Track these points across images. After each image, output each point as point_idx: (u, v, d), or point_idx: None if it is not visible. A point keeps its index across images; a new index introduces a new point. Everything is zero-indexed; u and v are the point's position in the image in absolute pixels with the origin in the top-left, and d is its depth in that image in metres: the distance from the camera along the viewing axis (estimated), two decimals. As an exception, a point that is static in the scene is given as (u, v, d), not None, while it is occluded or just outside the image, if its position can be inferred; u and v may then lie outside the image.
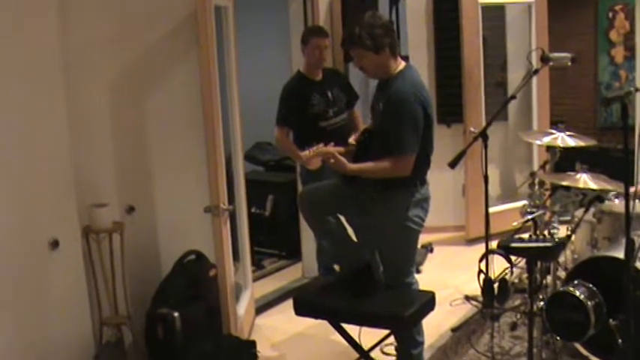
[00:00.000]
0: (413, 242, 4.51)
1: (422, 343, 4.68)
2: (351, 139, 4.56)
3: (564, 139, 5.22)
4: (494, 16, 7.82)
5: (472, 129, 6.94)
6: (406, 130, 4.18)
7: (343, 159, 4.24)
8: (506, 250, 3.99)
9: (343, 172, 4.28)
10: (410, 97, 4.19)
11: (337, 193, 4.54)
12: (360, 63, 4.31)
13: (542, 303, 4.70)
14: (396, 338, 4.68)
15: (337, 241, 4.68)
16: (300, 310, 4.56)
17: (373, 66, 4.30)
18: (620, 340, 3.99)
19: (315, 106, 5.86)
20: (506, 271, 4.98)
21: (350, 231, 4.83)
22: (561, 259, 5.53)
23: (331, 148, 4.33)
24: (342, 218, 4.75)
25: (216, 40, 4.67)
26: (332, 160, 4.25)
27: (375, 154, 4.28)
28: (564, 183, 5.00)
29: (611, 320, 4.13)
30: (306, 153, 4.38)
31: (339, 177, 4.50)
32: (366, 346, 4.59)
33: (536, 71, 5.20)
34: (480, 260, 4.58)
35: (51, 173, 3.98)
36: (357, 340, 4.51)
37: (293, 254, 7.31)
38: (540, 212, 5.08)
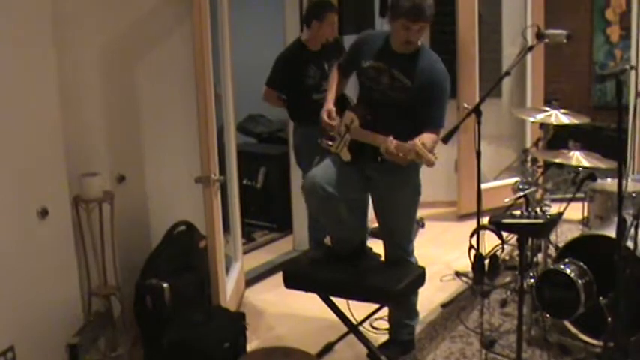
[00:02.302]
0: (417, 209, 4.63)
1: (419, 315, 4.83)
2: (326, 114, 4.44)
3: (558, 117, 5.20)
4: (490, -8, 7.80)
5: (466, 105, 6.93)
6: (445, 105, 4.27)
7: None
8: (497, 226, 3.98)
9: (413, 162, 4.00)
10: (445, 74, 4.25)
11: (342, 178, 4.43)
12: (417, 36, 4.17)
13: (532, 280, 4.70)
14: (391, 309, 4.71)
15: (340, 224, 4.61)
16: (290, 283, 4.57)
17: (419, 40, 4.26)
18: (609, 319, 4.00)
19: (310, 78, 5.82)
20: (497, 247, 4.98)
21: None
22: (552, 237, 5.54)
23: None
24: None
25: (210, 8, 4.62)
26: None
27: (390, 128, 4.05)
28: (557, 160, 4.99)
29: (601, 298, 4.14)
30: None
31: (335, 157, 4.46)
32: (357, 319, 4.61)
33: (531, 48, 5.17)
34: (471, 236, 4.58)
35: (41, 142, 3.94)
36: (347, 313, 4.53)
37: (284, 227, 7.33)
38: (532, 189, 5.07)
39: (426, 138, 4.01)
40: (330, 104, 4.50)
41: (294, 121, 6.11)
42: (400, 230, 4.60)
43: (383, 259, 4.74)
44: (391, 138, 3.90)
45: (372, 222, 4.86)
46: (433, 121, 4.20)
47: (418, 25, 4.10)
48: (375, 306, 4.68)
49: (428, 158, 3.78)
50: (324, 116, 4.43)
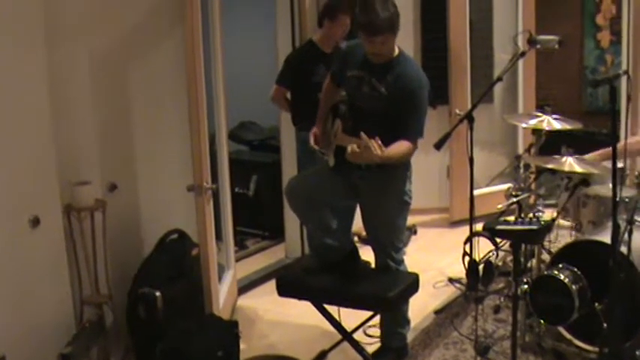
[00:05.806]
0: (406, 216, 4.60)
1: (409, 322, 4.79)
2: (312, 139, 4.54)
3: (550, 122, 5.18)
4: (482, -2, 7.82)
5: (458, 111, 6.94)
6: (423, 115, 4.25)
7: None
8: (491, 232, 3.97)
9: (372, 162, 4.05)
10: (423, 83, 4.24)
11: (326, 184, 4.47)
12: (381, 48, 4.15)
13: (526, 286, 4.70)
14: (382, 317, 4.69)
15: (324, 230, 4.60)
16: (283, 291, 4.55)
17: (389, 50, 4.22)
18: (604, 324, 3.99)
19: (317, 76, 5.74)
20: (491, 253, 4.97)
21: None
22: (545, 242, 5.53)
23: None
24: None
25: (202, 17, 4.61)
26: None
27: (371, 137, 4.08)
28: (550, 166, 4.97)
29: (596, 304, 4.13)
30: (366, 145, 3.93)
31: (324, 163, 4.47)
32: (348, 327, 4.59)
33: (522, 54, 5.16)
34: (465, 242, 4.57)
35: (32, 150, 3.92)
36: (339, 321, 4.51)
37: (276, 235, 7.31)
38: (525, 195, 5.06)
39: (393, 146, 4.05)
40: (317, 126, 4.59)
41: (295, 126, 6.10)
42: (387, 239, 4.57)
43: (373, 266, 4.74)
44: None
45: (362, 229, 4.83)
46: (407, 132, 4.19)
47: (379, 38, 4.09)
48: (365, 314, 4.67)
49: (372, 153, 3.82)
50: (311, 140, 4.53)
